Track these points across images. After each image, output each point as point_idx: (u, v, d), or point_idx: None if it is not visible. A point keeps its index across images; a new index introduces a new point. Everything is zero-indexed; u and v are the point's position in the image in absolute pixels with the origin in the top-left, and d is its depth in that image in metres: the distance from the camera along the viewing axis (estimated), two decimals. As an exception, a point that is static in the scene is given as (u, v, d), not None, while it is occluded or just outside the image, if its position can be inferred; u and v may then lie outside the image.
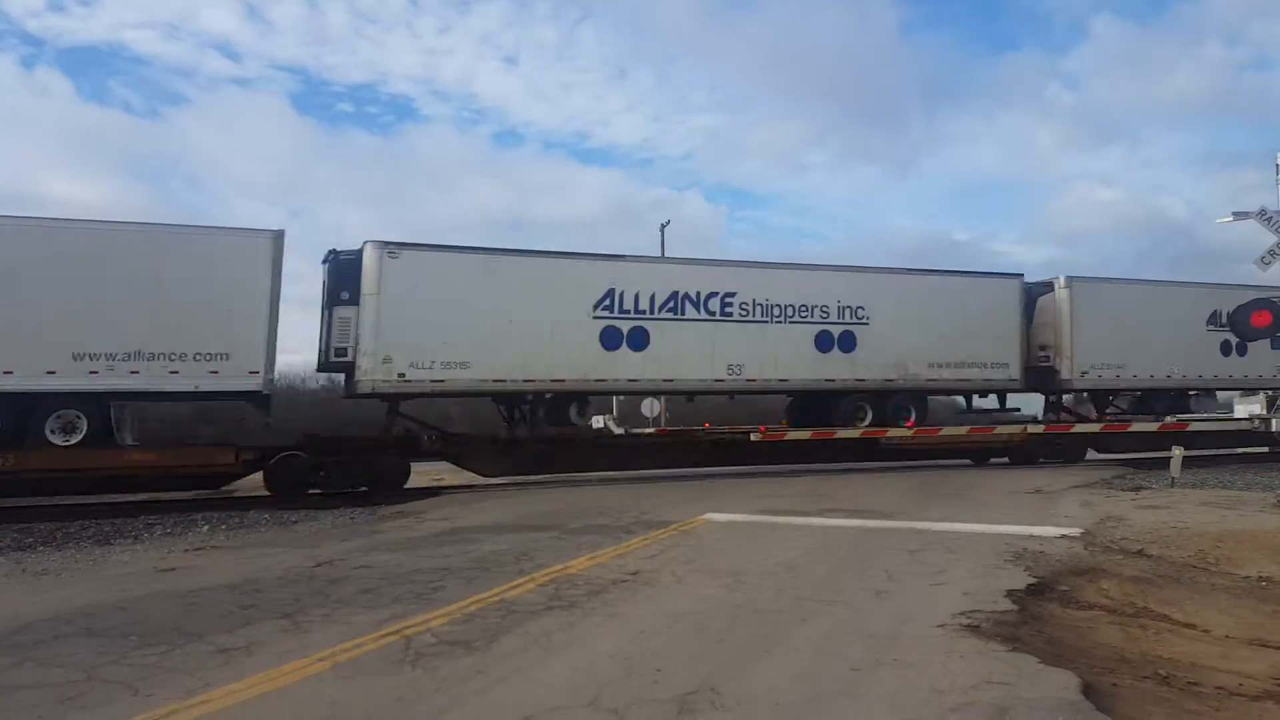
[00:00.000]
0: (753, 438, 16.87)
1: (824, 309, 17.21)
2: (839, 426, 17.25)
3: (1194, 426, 19.28)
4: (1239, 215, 15.74)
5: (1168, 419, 19.35)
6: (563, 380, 15.43)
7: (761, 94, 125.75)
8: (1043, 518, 10.62)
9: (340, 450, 14.30)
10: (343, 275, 14.47)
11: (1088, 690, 4.26)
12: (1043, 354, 19.27)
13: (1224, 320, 20.24)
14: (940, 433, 18.24)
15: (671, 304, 16.19)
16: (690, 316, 16.32)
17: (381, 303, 14.22)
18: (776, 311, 16.91)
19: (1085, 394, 20.37)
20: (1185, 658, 5.09)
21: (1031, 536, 9.09)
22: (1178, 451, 14.77)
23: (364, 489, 14.03)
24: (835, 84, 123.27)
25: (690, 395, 17.46)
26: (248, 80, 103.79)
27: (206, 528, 10.90)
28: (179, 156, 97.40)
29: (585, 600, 6.37)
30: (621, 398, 23.45)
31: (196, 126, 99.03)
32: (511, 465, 15.69)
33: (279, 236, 13.74)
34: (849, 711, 4.07)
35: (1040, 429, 18.99)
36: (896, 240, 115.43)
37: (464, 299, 14.77)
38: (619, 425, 22.07)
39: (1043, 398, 20.44)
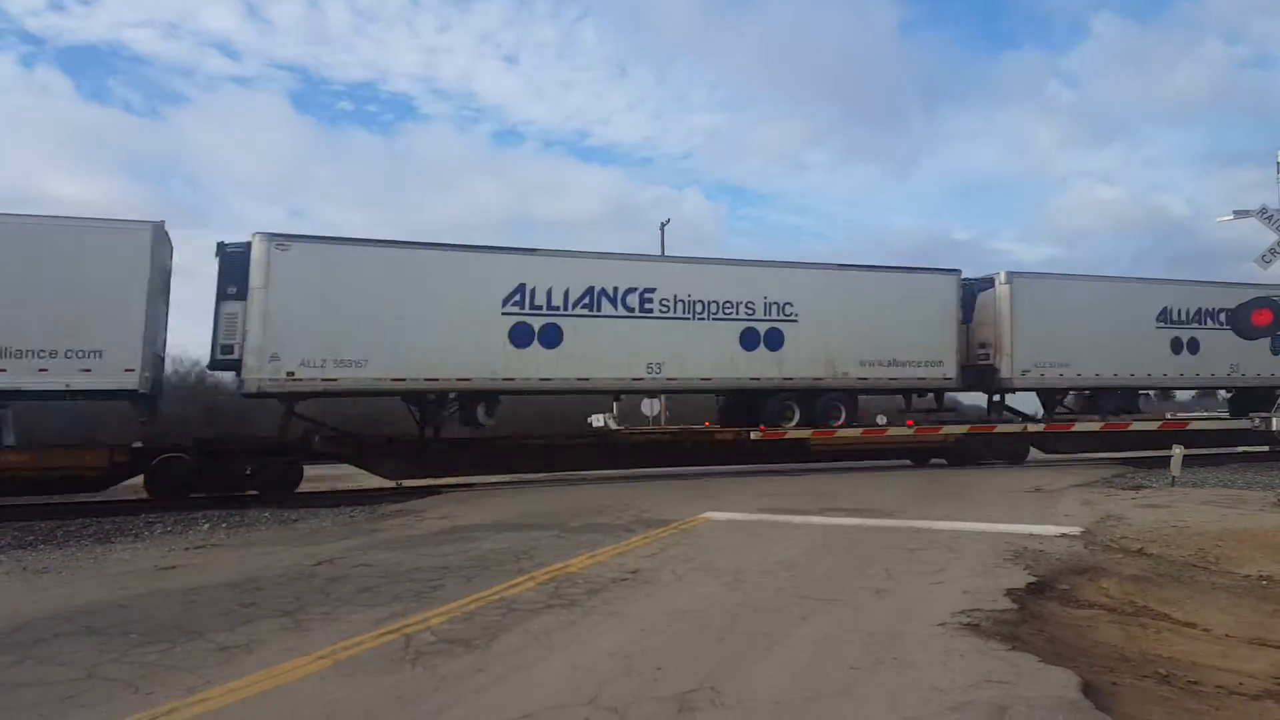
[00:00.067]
0: (753, 437, 16.85)
1: (750, 305, 16.78)
2: (839, 426, 17.22)
3: (1193, 425, 19.23)
4: (1239, 214, 15.68)
5: (1111, 419, 19.05)
6: (469, 379, 14.93)
7: (762, 93, 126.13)
8: (1043, 516, 10.64)
9: (222, 452, 13.78)
10: (232, 268, 13.89)
11: (1087, 689, 4.26)
12: (983, 352, 18.77)
13: (1176, 316, 19.77)
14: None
15: (587, 300, 15.69)
16: (607, 313, 15.82)
17: (270, 297, 13.67)
18: (700, 308, 16.46)
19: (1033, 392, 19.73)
20: (1185, 656, 5.10)
21: (1031, 535, 9.12)
22: (1178, 450, 14.78)
23: (252, 493, 13.59)
24: (835, 83, 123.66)
25: (618, 395, 17.07)
26: (247, 79, 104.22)
27: (207, 526, 10.97)
28: (178, 156, 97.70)
29: (585, 599, 6.38)
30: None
31: (196, 125, 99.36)
32: (418, 467, 15.31)
33: (160, 228, 13.34)
34: (849, 710, 4.07)
35: (1040, 428, 18.99)
36: (896, 239, 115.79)
37: (361, 294, 14.25)
38: (619, 424, 22.04)
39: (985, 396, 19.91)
